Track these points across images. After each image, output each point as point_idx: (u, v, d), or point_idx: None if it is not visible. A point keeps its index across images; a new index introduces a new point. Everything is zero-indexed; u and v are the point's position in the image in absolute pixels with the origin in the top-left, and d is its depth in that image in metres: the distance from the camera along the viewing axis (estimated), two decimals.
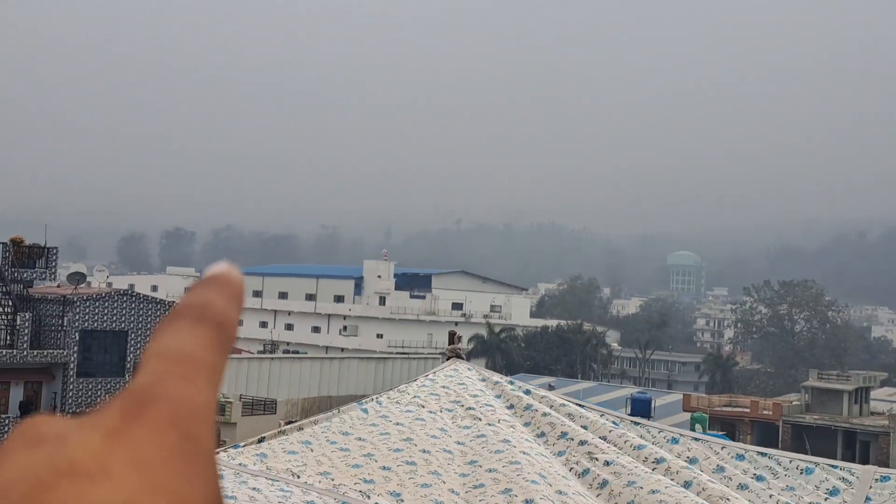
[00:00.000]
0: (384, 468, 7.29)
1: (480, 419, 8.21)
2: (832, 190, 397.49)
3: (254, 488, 6.50)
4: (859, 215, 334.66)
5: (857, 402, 58.53)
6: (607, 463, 7.33)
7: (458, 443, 7.80)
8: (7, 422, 35.91)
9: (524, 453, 7.41)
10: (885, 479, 7.23)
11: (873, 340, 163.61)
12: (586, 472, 7.31)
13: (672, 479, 7.35)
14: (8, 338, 36.93)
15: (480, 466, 7.26)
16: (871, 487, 7.16)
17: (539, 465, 7.16)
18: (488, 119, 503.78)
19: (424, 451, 7.55)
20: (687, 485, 7.36)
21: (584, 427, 8.08)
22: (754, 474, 7.45)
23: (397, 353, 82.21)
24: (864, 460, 53.32)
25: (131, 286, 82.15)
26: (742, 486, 7.31)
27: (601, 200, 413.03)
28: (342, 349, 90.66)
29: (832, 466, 7.60)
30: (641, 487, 6.85)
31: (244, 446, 7.57)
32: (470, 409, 8.46)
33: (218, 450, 7.29)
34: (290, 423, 10.47)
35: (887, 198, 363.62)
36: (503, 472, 7.07)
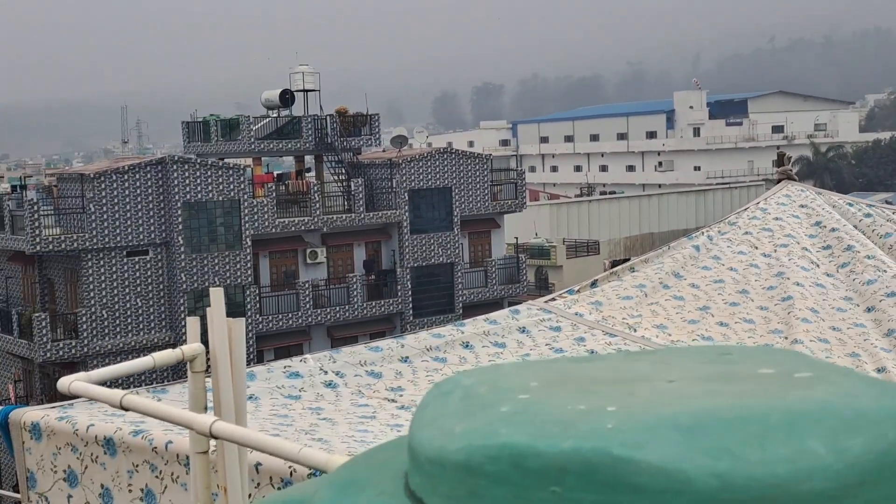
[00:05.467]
0: (721, 324, 7.10)
1: (819, 265, 7.77)
2: None
3: (591, 350, 6.53)
4: None
5: None
6: None
7: (797, 283, 7.43)
8: (353, 280, 39.00)
9: (868, 310, 6.97)
10: None
11: None
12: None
13: None
14: (346, 203, 39.74)
15: (823, 321, 6.91)
16: None
17: (885, 326, 6.71)
18: None
19: (762, 308, 7.24)
20: None
21: None
22: None
23: (717, 184, 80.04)
24: None
25: (449, 144, 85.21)
26: None
27: None
28: (659, 185, 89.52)
29: None
30: None
31: (579, 291, 7.66)
32: (806, 249, 8.02)
33: (553, 295, 7.45)
34: (615, 263, 10.49)
35: None
36: (847, 334, 6.69)
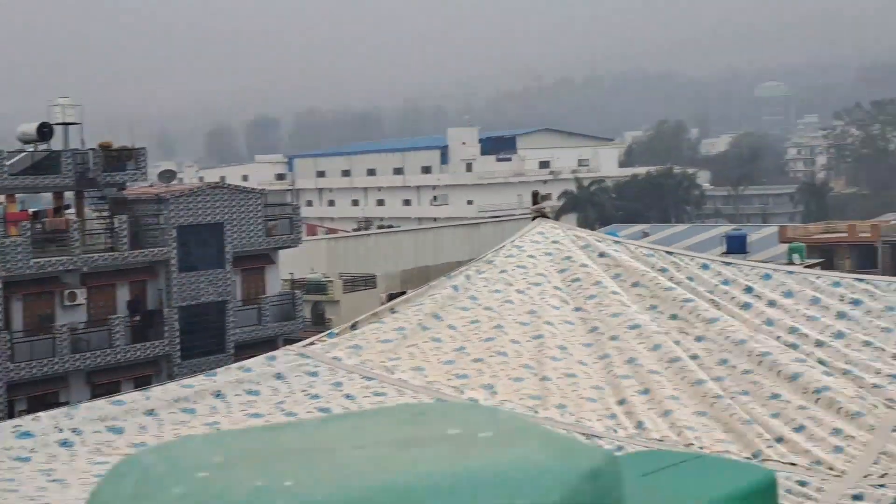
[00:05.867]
0: (476, 360, 7.18)
1: (568, 302, 8.07)
2: None
3: (347, 395, 6.51)
4: None
5: None
6: (699, 339, 7.20)
7: (547, 322, 7.67)
8: (116, 322, 37.33)
9: (612, 339, 7.29)
10: None
11: None
12: (677, 354, 7.19)
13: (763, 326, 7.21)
14: (108, 241, 38.07)
15: (571, 356, 7.17)
16: None
17: (627, 354, 7.05)
18: None
19: (514, 342, 7.44)
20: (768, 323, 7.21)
21: (674, 287, 7.88)
22: (851, 299, 7.31)
23: (489, 217, 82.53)
24: None
25: (222, 178, 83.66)
26: (840, 315, 7.19)
27: (684, 40, 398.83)
28: (434, 219, 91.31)
29: None
30: (734, 367, 6.74)
31: (339, 334, 7.59)
32: (557, 288, 8.30)
33: (312, 339, 7.37)
34: (391, 296, 10.47)
35: None
36: (592, 368, 6.97)
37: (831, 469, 5.62)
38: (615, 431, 6.11)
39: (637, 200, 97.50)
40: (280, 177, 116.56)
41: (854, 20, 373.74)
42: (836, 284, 7.59)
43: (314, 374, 6.75)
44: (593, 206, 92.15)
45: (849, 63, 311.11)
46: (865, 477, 5.52)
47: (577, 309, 7.97)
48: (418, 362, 7.16)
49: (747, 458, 5.71)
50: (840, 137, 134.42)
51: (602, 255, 8.79)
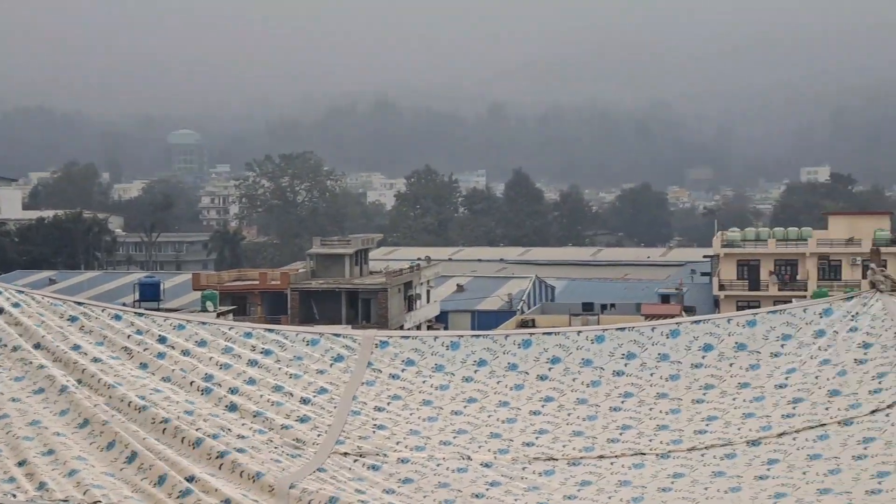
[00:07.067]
0: None
1: None
2: (323, 65, 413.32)
3: None
4: (350, 89, 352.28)
5: (357, 264, 62.89)
6: (106, 404, 6.95)
7: None
8: None
9: (13, 400, 6.76)
10: (383, 344, 7.69)
11: (369, 205, 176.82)
12: (65, 412, 6.88)
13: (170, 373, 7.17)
14: None
15: None
16: (371, 353, 7.58)
17: (29, 417, 6.59)
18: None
19: None
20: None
21: (79, 345, 7.48)
22: (263, 349, 7.57)
23: None
24: (367, 316, 57.69)
25: None
26: (252, 363, 7.39)
27: (95, 81, 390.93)
28: None
29: (336, 335, 7.90)
30: (145, 426, 6.60)
31: None
32: None
33: None
34: None
35: (376, 72, 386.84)
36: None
37: None
38: (14, 496, 5.68)
39: (43, 245, 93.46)
40: None
41: (259, 78, 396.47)
42: (248, 335, 7.81)
43: None
44: None
45: (259, 115, 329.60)
46: None
47: None
48: None
49: None
50: (252, 188, 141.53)
51: (1, 309, 8.07)
